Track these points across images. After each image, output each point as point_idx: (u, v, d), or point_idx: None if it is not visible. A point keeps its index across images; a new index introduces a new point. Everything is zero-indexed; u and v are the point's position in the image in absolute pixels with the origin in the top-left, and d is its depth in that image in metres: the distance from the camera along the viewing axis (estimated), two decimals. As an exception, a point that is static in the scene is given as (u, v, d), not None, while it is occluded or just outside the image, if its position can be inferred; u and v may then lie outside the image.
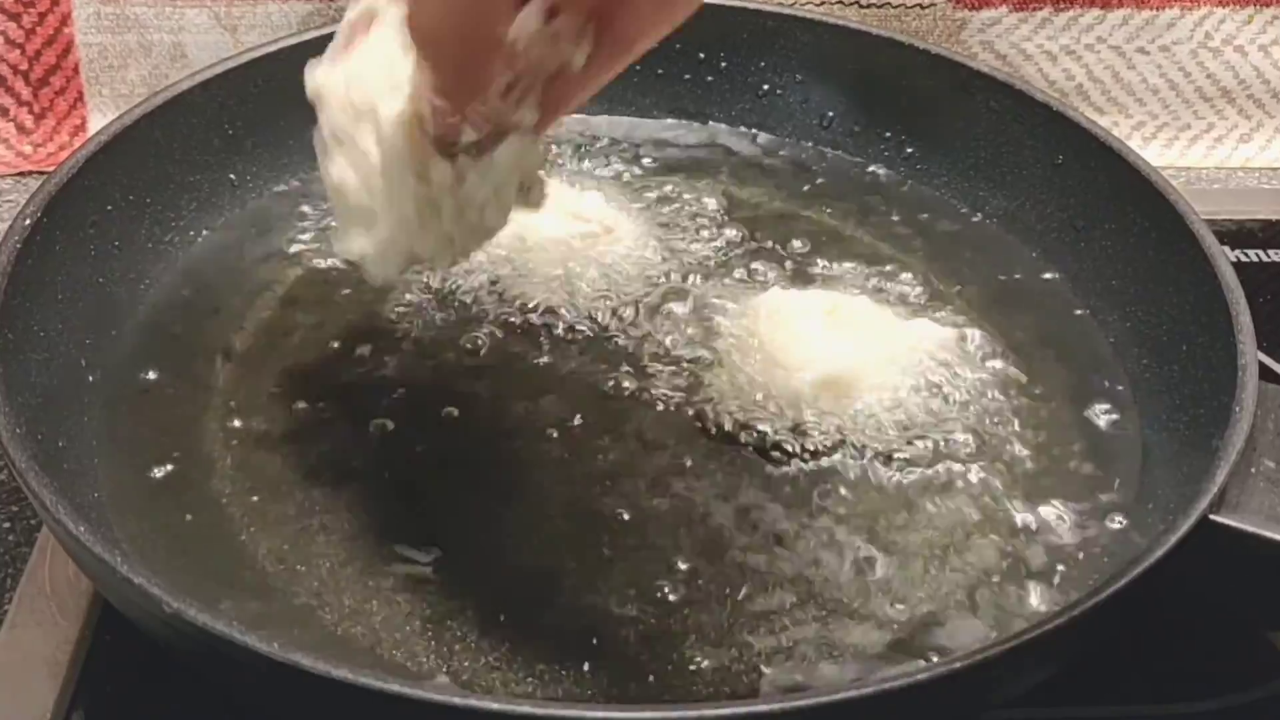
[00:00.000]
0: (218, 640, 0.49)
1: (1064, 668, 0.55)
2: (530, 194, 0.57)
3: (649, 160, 0.84)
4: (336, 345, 0.70)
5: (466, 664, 0.56)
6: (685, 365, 0.69)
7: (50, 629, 0.61)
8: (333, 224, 0.65)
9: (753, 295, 0.73)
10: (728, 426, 0.66)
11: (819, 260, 0.77)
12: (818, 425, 0.66)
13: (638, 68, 0.89)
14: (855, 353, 0.68)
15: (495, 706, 0.48)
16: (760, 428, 0.66)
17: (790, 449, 0.65)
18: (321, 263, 0.75)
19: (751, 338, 0.70)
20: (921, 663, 0.53)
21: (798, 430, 0.66)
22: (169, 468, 0.63)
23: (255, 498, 0.62)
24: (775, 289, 0.73)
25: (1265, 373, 0.63)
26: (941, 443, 0.66)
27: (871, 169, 0.84)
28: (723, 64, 0.86)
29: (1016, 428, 0.67)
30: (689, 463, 0.65)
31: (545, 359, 0.70)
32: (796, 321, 0.70)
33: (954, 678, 0.49)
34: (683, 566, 0.60)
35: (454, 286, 0.73)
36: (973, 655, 0.50)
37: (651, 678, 0.56)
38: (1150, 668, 0.63)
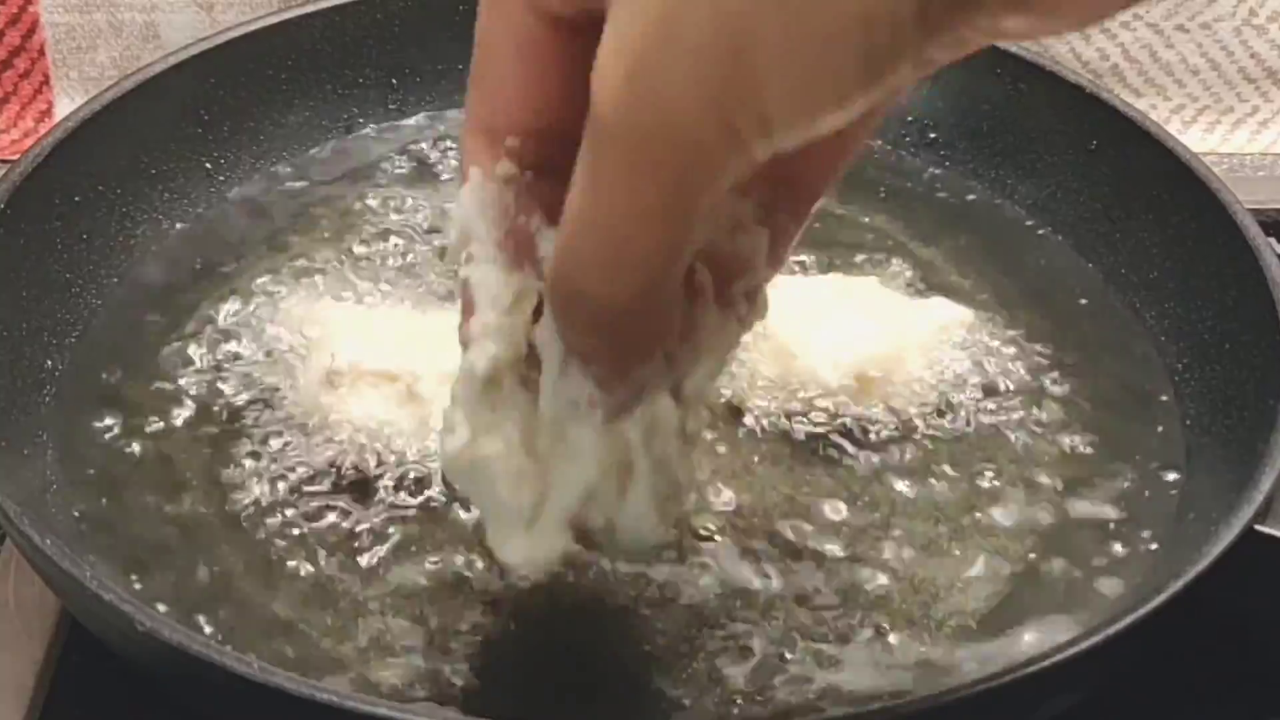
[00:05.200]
0: (194, 660, 0.49)
1: (1097, 690, 0.55)
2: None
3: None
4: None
5: (458, 686, 0.56)
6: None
7: (15, 649, 0.61)
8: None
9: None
10: (738, 418, 0.66)
11: (834, 247, 0.77)
12: (831, 411, 0.66)
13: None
14: (868, 336, 0.68)
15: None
16: (772, 416, 0.66)
17: (801, 439, 0.66)
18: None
19: (762, 325, 0.70)
20: (944, 685, 0.54)
21: (807, 419, 0.66)
22: (138, 478, 0.63)
23: (229, 508, 0.62)
24: (784, 276, 0.73)
25: (1314, 373, 0.63)
26: (959, 442, 0.66)
27: (893, 155, 0.84)
28: (732, 43, 0.86)
29: (1042, 432, 0.67)
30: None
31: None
32: (807, 307, 0.70)
33: (968, 704, 0.50)
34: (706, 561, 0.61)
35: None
36: (990, 680, 0.50)
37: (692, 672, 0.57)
38: (1189, 690, 0.63)
